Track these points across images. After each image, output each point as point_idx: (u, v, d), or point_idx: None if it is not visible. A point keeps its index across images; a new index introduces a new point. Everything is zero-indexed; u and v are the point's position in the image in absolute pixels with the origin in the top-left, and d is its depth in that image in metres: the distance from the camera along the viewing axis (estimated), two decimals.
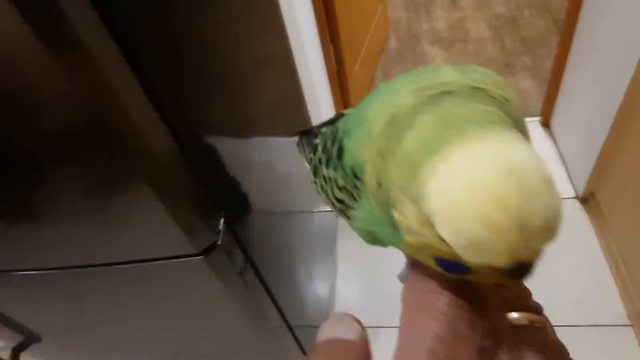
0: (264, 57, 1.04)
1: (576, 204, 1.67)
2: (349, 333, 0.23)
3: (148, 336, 0.95)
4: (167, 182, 0.61)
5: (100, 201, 0.60)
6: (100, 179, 0.58)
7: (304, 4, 1.50)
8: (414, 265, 0.23)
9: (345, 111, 0.28)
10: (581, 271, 1.50)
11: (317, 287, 1.36)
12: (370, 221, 0.22)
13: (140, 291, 0.79)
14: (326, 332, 0.23)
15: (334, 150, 0.24)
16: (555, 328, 0.25)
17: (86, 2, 0.45)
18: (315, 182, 0.29)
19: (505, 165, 0.15)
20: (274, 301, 0.92)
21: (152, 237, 0.65)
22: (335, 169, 0.24)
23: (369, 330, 0.24)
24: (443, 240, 0.16)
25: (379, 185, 0.20)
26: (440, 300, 0.21)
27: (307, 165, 0.33)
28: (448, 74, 0.21)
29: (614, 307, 1.40)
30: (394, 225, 0.19)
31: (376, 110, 0.21)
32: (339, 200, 0.25)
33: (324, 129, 0.31)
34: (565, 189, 1.71)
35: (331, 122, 0.32)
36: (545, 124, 1.94)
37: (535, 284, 0.27)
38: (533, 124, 1.97)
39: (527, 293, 0.25)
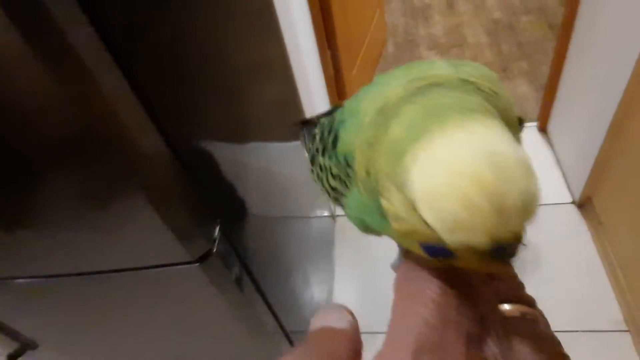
0: (260, 62, 1.04)
1: (573, 209, 1.67)
2: (340, 322, 0.24)
3: (144, 343, 0.95)
4: (162, 189, 0.60)
5: (95, 209, 0.60)
6: (94, 186, 0.57)
7: (301, 9, 1.50)
8: (406, 255, 0.24)
9: (344, 102, 0.29)
10: (578, 276, 1.50)
11: (315, 292, 1.36)
12: (359, 209, 0.23)
13: (136, 298, 0.79)
14: (318, 322, 0.24)
15: (330, 140, 0.25)
16: None
17: (76, 7, 0.44)
18: (313, 171, 0.30)
19: (483, 149, 0.16)
20: (270, 307, 0.92)
21: (147, 244, 0.65)
22: (330, 157, 0.25)
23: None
24: (427, 224, 0.17)
25: (368, 173, 0.20)
26: (430, 288, 0.21)
27: (306, 154, 0.34)
28: (440, 67, 0.22)
29: (611, 313, 1.40)
30: (382, 214, 0.20)
31: (368, 102, 0.22)
32: (333, 189, 0.26)
33: (322, 120, 0.32)
34: (563, 195, 1.72)
35: (330, 112, 0.33)
36: (542, 129, 1.94)
37: (533, 289, 0.27)
38: (530, 129, 1.98)
39: (520, 286, 0.25)
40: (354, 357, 0.22)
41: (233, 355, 1.00)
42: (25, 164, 0.54)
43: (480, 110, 0.18)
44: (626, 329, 1.36)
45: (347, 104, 0.26)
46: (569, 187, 1.73)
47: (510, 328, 0.22)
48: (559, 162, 1.82)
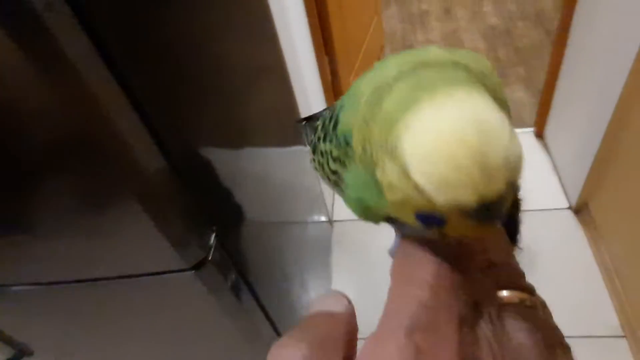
0: (257, 69, 1.05)
1: (570, 215, 1.67)
2: (336, 306, 0.24)
3: (140, 350, 0.95)
4: (157, 196, 0.61)
5: (89, 216, 0.60)
6: (88, 194, 0.58)
7: (298, 15, 1.51)
8: (403, 239, 0.25)
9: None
10: (574, 282, 1.50)
11: (312, 298, 1.36)
12: (358, 186, 0.24)
13: (131, 306, 0.79)
14: (314, 306, 0.25)
15: (331, 125, 0.27)
16: None
17: (69, 11, 0.44)
18: (314, 160, 0.31)
19: (469, 114, 0.17)
20: (267, 314, 0.92)
21: (142, 252, 0.65)
22: (330, 140, 0.27)
23: (363, 342, 0.24)
24: (418, 189, 0.18)
25: (364, 150, 0.22)
26: (425, 270, 0.22)
27: (307, 147, 0.35)
28: (433, 51, 0.23)
29: (608, 318, 1.40)
30: (379, 189, 0.21)
31: (365, 84, 0.24)
32: (334, 172, 0.27)
33: (325, 112, 0.33)
34: (559, 200, 1.72)
35: (332, 106, 0.35)
36: (539, 135, 1.95)
37: None
38: (526, 134, 1.98)
39: (520, 275, 0.26)
40: (349, 340, 0.23)
41: None
42: (19, 170, 0.54)
43: (468, 83, 0.20)
44: (622, 334, 1.36)
45: (347, 91, 0.28)
46: (565, 193, 1.73)
47: (506, 313, 0.22)
48: (555, 167, 1.82)
